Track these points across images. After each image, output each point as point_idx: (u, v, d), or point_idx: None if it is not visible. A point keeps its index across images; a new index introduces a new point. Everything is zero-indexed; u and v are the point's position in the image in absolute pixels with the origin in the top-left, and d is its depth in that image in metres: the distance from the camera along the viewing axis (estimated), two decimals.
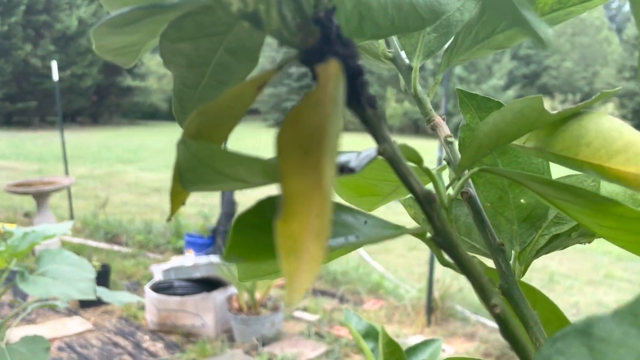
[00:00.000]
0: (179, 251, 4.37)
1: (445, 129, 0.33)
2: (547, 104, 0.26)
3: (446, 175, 0.33)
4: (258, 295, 2.99)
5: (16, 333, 2.62)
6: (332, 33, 0.21)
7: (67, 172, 4.86)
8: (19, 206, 5.72)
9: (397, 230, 0.25)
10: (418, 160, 0.26)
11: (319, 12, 0.21)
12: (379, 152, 0.21)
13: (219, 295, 2.95)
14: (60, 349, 2.76)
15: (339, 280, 3.76)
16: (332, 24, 0.21)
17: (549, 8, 0.34)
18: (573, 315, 3.16)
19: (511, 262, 0.38)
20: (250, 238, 0.20)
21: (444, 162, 0.33)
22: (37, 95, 18.57)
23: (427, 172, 0.26)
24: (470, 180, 0.33)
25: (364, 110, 0.21)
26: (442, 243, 0.24)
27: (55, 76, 4.58)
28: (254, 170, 0.21)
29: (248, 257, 0.20)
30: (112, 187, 7.10)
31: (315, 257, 0.15)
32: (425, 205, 0.23)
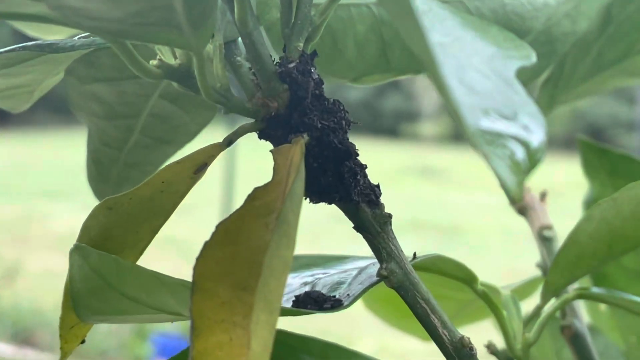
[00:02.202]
0: None
1: (540, 215, 0.36)
2: None
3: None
4: None
5: None
6: (306, 93, 0.25)
7: None
8: None
9: None
10: (468, 278, 0.30)
11: (287, 61, 0.26)
12: (382, 276, 0.26)
13: None
14: None
15: None
16: (308, 79, 0.26)
17: None
18: None
19: None
20: None
21: (540, 272, 0.36)
22: None
23: (484, 297, 0.30)
24: (577, 303, 0.36)
25: (357, 209, 0.26)
26: None
27: None
28: (185, 299, 0.26)
29: None
30: (28, 242, 7.37)
31: None
32: None
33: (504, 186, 0.16)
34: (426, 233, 6.32)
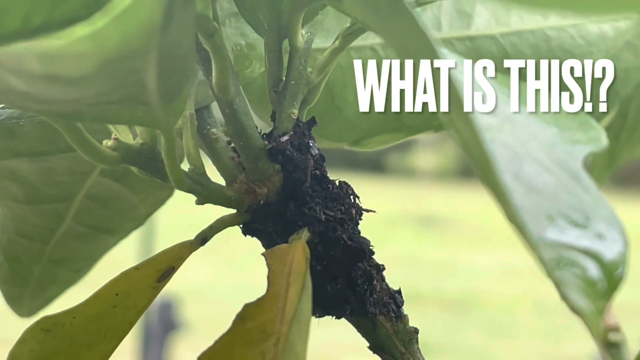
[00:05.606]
0: None
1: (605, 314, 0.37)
2: None
3: None
4: None
5: None
6: (305, 174, 0.27)
7: None
8: None
9: None
10: None
11: (278, 134, 0.27)
12: None
13: None
14: None
15: None
16: (306, 156, 0.27)
17: None
18: None
19: None
20: None
21: None
22: None
23: None
24: None
25: (374, 323, 0.28)
26: None
27: None
28: None
29: None
30: None
31: None
32: None
33: (580, 317, 0.17)
34: (429, 309, 6.25)
